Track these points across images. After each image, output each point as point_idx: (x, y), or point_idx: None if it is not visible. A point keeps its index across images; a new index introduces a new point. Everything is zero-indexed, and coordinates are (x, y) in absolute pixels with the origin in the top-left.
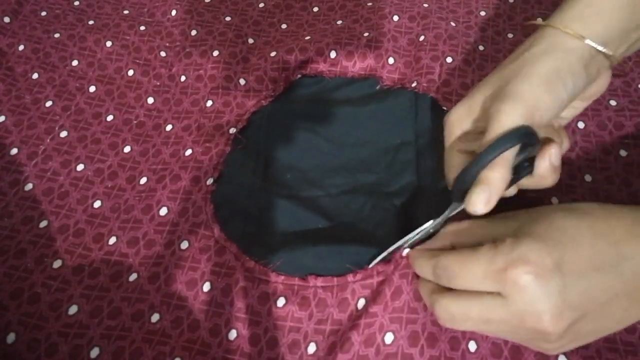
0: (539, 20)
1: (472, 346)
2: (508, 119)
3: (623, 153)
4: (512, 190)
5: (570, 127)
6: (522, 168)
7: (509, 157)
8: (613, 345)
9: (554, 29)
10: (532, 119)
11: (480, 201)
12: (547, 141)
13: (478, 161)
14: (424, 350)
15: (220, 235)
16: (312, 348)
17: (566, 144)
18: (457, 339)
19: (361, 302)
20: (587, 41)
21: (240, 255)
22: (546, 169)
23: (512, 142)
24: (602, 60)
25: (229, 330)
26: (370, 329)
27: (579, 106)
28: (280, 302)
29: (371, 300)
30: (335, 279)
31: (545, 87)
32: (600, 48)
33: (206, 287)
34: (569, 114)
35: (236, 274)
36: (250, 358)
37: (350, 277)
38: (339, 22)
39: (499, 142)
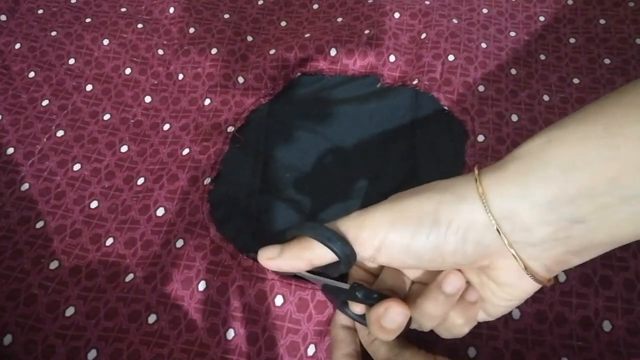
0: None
1: (472, 352)
2: (342, 225)
3: None
4: (359, 310)
5: None
6: (368, 296)
7: (313, 253)
8: (616, 348)
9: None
10: (363, 251)
11: (266, 254)
12: (398, 298)
13: (301, 227)
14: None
15: (216, 234)
16: (311, 350)
17: (458, 326)
18: (456, 345)
19: None
20: (477, 202)
21: (236, 254)
22: (373, 319)
23: (320, 239)
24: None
25: (226, 330)
26: None
27: (501, 297)
28: (279, 300)
29: None
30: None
31: (394, 229)
32: (491, 219)
33: (201, 286)
34: (496, 302)
35: (233, 273)
36: (249, 357)
37: None
38: (339, 19)
39: (314, 229)
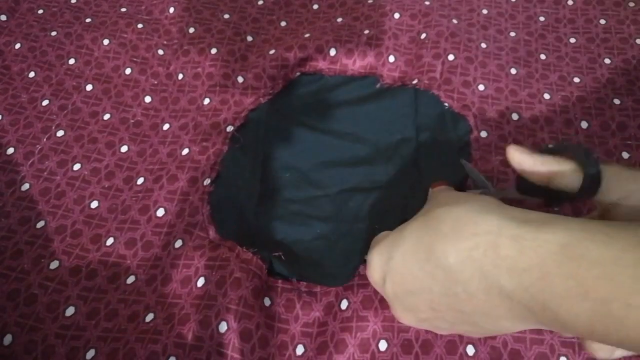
0: None
1: (470, 350)
2: (607, 167)
3: (625, 155)
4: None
5: (574, 127)
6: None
7: (559, 169)
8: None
9: None
10: (609, 194)
11: (520, 150)
12: None
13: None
14: (419, 357)
15: (215, 236)
16: (300, 349)
17: None
18: (454, 342)
19: (344, 303)
20: None
21: (234, 247)
22: None
23: (579, 155)
24: None
25: (219, 322)
26: (364, 333)
27: None
28: (267, 301)
29: (360, 305)
30: (318, 285)
31: None
32: None
33: (200, 282)
34: None
35: (231, 265)
36: (242, 354)
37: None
38: (339, 19)
39: (578, 148)
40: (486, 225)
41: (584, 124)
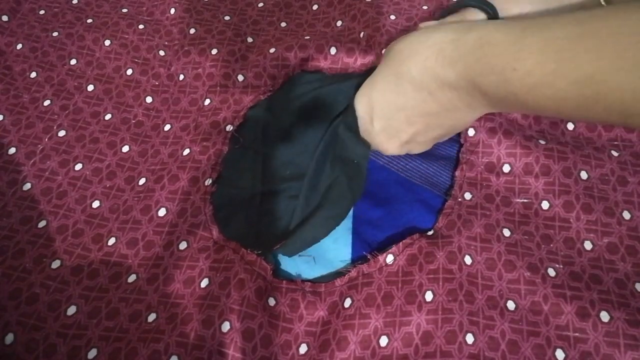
0: None
1: (470, 339)
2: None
3: (614, 154)
4: None
5: (560, 129)
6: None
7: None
8: (613, 340)
9: None
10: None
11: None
12: None
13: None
14: (419, 349)
15: (219, 236)
16: (303, 349)
17: None
18: (454, 332)
19: (348, 301)
20: None
21: (239, 249)
22: None
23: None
24: None
25: (222, 322)
26: (365, 330)
27: None
28: (271, 301)
29: (363, 303)
30: (323, 285)
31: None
32: None
33: (204, 283)
34: None
35: (235, 267)
36: (244, 353)
37: (337, 282)
38: (339, 22)
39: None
40: (432, 40)
41: (570, 126)
